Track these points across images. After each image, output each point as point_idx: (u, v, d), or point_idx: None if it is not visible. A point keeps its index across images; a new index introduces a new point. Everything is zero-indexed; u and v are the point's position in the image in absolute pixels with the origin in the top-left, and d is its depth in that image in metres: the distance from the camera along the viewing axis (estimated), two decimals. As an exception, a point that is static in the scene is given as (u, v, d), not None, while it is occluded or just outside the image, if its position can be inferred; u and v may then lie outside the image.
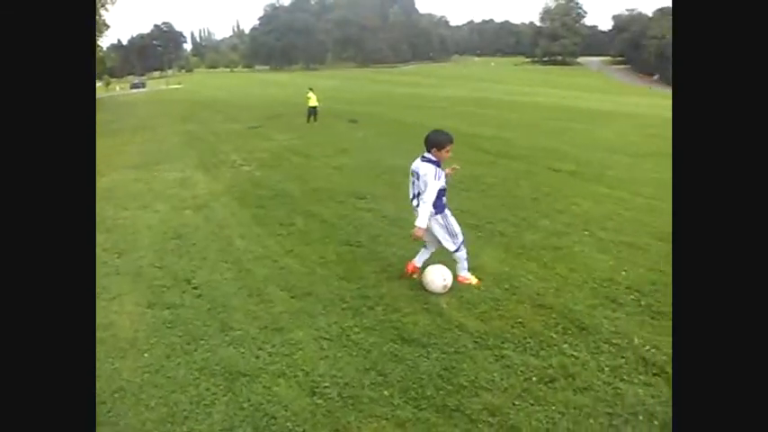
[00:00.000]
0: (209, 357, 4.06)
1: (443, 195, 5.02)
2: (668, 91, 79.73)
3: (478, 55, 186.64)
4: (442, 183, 4.92)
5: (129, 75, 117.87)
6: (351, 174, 11.17)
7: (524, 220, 7.52)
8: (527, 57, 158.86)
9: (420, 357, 4.02)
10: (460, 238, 5.15)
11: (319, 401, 3.51)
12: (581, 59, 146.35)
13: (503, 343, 4.20)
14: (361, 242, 6.63)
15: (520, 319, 4.57)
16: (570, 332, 4.36)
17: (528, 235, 6.85)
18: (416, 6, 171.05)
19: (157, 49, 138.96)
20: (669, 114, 27.97)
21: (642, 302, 4.86)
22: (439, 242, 5.22)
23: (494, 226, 7.11)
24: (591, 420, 3.29)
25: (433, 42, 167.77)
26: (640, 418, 3.29)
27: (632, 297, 4.98)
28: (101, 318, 4.68)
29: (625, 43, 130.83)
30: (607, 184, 9.92)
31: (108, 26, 44.44)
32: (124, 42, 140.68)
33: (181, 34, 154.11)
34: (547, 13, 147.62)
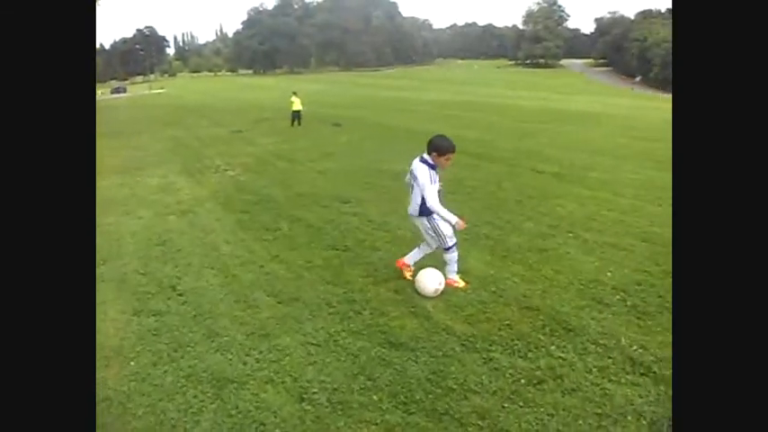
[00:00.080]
0: (196, 364, 4.02)
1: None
2: (650, 93, 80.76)
3: (462, 58, 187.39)
4: (437, 186, 4.94)
5: (111, 79, 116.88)
6: (335, 178, 11.15)
7: (509, 222, 7.56)
8: (510, 59, 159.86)
9: (408, 361, 4.02)
10: (450, 241, 5.15)
11: (308, 407, 3.49)
12: (563, 62, 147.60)
13: (490, 345, 4.21)
14: (348, 246, 6.62)
15: (507, 322, 4.58)
16: (557, 333, 4.38)
17: (513, 237, 6.88)
18: (399, 10, 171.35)
19: (140, 54, 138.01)
20: (652, 115, 28.31)
21: (628, 303, 4.90)
22: (434, 244, 5.24)
23: (479, 229, 7.12)
24: (580, 421, 3.30)
25: (417, 46, 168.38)
26: (629, 418, 3.32)
27: (618, 297, 5.02)
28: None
29: (607, 46, 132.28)
30: (590, 186, 9.99)
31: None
32: (107, 47, 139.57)
33: (164, 38, 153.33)
34: (529, 17, 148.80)
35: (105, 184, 11.10)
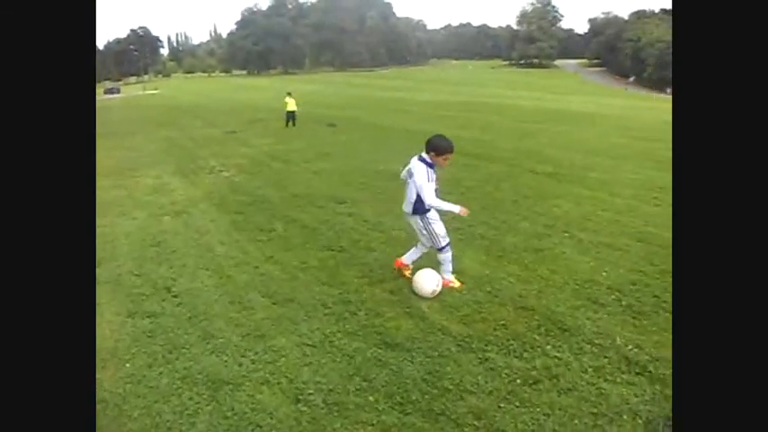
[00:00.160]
0: (192, 366, 4.00)
1: None
2: (644, 93, 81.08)
3: (456, 58, 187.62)
4: (434, 184, 4.94)
5: (105, 80, 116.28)
6: (330, 178, 11.13)
7: (505, 222, 7.56)
8: (504, 60, 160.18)
9: (404, 362, 4.01)
10: (443, 241, 5.16)
11: (304, 409, 3.48)
12: (557, 62, 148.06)
13: (486, 346, 4.21)
14: (343, 247, 6.61)
15: (502, 322, 4.59)
16: (553, 333, 4.39)
17: (509, 237, 6.89)
18: (394, 10, 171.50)
19: (134, 54, 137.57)
20: (647, 115, 28.40)
21: (623, 302, 4.91)
22: (427, 243, 5.25)
23: (474, 229, 7.13)
24: (576, 421, 3.31)
25: (411, 46, 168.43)
26: (625, 417, 3.32)
27: (613, 297, 5.03)
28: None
29: (601, 46, 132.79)
30: (586, 186, 10.00)
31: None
32: (100, 47, 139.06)
33: (158, 39, 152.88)
34: (524, 17, 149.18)
35: (99, 185, 11.03)
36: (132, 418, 3.45)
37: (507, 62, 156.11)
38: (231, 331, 4.53)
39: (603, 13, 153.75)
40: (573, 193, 9.46)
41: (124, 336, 4.51)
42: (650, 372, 3.79)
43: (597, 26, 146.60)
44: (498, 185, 10.15)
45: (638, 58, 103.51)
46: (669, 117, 30.01)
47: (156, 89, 78.39)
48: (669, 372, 3.77)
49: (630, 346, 4.13)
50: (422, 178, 4.88)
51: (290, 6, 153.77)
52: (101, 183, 11.20)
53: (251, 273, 5.84)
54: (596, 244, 6.55)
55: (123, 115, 33.79)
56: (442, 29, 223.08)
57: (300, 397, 3.60)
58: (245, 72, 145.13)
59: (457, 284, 5.30)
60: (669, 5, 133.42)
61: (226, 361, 4.07)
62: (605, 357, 4.01)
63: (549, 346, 4.18)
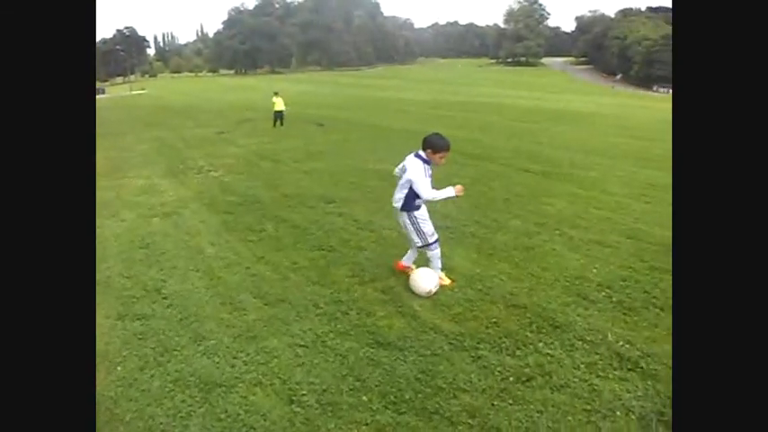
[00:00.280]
0: (184, 368, 3.97)
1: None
2: (630, 90, 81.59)
3: (443, 57, 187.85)
4: (429, 180, 4.99)
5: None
6: (320, 178, 11.11)
7: (496, 221, 7.59)
8: (491, 58, 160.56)
9: (397, 361, 4.01)
10: (430, 238, 5.17)
11: (298, 409, 3.46)
12: (545, 60, 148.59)
13: (478, 344, 4.22)
14: (333, 247, 6.59)
15: (494, 320, 4.60)
16: (545, 330, 4.41)
17: (500, 236, 6.91)
18: (381, 9, 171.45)
19: (120, 54, 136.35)
20: (636, 113, 28.59)
21: (614, 299, 4.95)
22: (416, 240, 5.26)
23: (466, 227, 7.15)
24: (569, 418, 3.32)
25: (398, 45, 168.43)
26: (618, 413, 3.34)
27: (604, 294, 5.06)
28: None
29: (588, 44, 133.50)
30: (577, 184, 10.07)
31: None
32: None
33: (144, 39, 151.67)
34: (510, 15, 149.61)
35: (87, 187, 10.94)
36: (124, 422, 3.41)
37: (494, 60, 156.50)
38: (223, 333, 4.50)
39: (590, 12, 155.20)
40: (564, 191, 9.52)
41: (114, 339, 4.46)
42: (642, 367, 3.82)
43: (584, 24, 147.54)
44: (489, 184, 10.19)
45: (625, 56, 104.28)
46: (657, 115, 30.30)
47: (142, 89, 77.73)
48: (660, 367, 3.81)
49: (622, 343, 4.16)
50: (418, 174, 4.91)
51: (276, 6, 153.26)
52: (88, 184, 11.08)
53: (242, 273, 5.80)
54: (587, 241, 6.60)
55: (110, 116, 33.50)
56: (429, 27, 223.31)
57: (294, 398, 3.59)
58: (232, 72, 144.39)
59: (447, 282, 5.31)
60: (655, 3, 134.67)
61: (218, 363, 4.05)
62: (597, 354, 4.03)
63: (541, 344, 4.20)
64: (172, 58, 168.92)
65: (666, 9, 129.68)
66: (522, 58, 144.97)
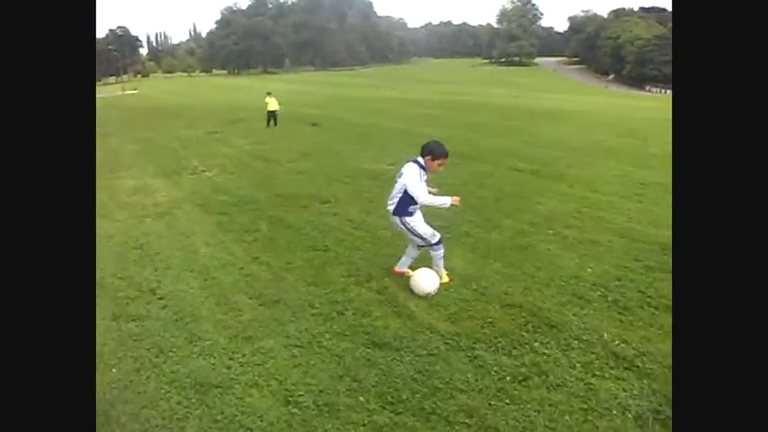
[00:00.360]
0: (179, 370, 3.95)
1: (413, 201, 5.04)
2: (623, 90, 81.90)
3: (437, 56, 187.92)
4: (424, 184, 5.04)
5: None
6: (314, 178, 11.09)
7: (489, 220, 7.60)
8: (484, 58, 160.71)
9: (393, 361, 4.01)
10: (432, 239, 5.18)
11: (295, 410, 3.46)
12: (538, 60, 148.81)
13: (474, 343, 4.22)
14: (328, 246, 6.59)
15: (490, 319, 4.61)
16: (540, 330, 4.42)
17: (494, 235, 6.93)
18: (374, 9, 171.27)
19: (113, 54, 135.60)
20: (628, 113, 28.62)
21: (609, 298, 4.97)
22: (419, 242, 5.27)
23: (459, 227, 7.16)
24: (566, 417, 3.33)
25: (392, 44, 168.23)
26: (614, 412, 3.36)
27: (599, 293, 5.08)
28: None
29: (580, 44, 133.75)
30: (570, 183, 10.10)
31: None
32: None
33: (137, 39, 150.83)
34: (504, 15, 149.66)
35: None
36: (120, 424, 3.39)
37: (488, 60, 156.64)
38: (218, 333, 4.48)
39: (583, 12, 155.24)
40: (556, 190, 9.55)
41: (109, 340, 4.43)
42: (638, 366, 3.83)
43: (577, 24, 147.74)
44: (482, 184, 10.21)
45: (618, 56, 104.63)
46: (650, 114, 30.40)
47: (135, 89, 77.22)
48: (656, 366, 3.83)
49: (617, 342, 4.18)
50: (413, 178, 4.95)
51: (270, 6, 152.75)
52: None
53: (236, 274, 5.79)
54: (580, 240, 6.62)
55: (102, 116, 33.32)
56: (422, 27, 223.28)
57: (290, 399, 3.58)
58: (225, 72, 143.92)
59: (445, 279, 5.32)
60: (648, 4, 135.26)
61: (214, 364, 4.03)
62: (593, 353, 4.05)
63: (536, 343, 4.21)
64: (164, 57, 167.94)
65: (659, 9, 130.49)
66: (516, 58, 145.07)
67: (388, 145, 15.75)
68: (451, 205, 5.04)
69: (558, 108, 32.91)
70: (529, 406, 3.44)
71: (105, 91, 74.46)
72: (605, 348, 4.09)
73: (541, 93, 59.18)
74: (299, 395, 3.61)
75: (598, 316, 4.65)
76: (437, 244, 5.21)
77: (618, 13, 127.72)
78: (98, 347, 4.30)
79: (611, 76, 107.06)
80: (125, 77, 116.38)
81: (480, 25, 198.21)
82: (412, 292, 5.12)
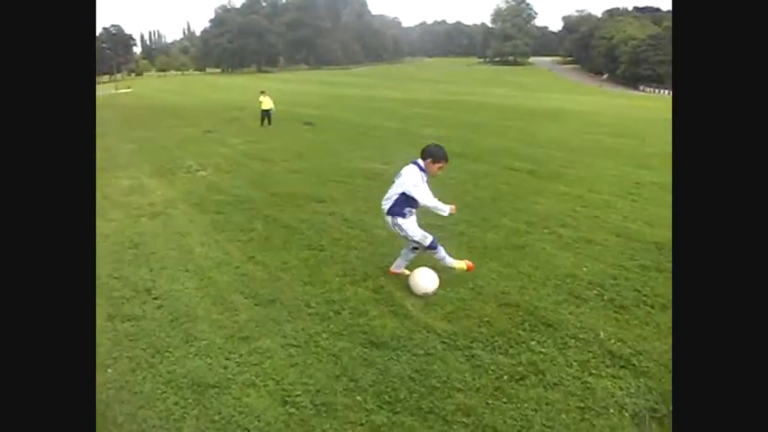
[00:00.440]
0: (176, 370, 3.93)
1: (409, 203, 5.06)
2: (617, 90, 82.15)
3: (431, 56, 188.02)
4: (426, 186, 5.09)
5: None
6: (309, 177, 11.08)
7: (485, 219, 7.60)
8: (479, 57, 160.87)
9: (390, 361, 4.01)
10: (425, 241, 5.18)
11: (292, 410, 3.45)
12: (532, 59, 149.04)
13: (471, 343, 4.23)
14: (324, 246, 6.58)
15: (487, 319, 4.61)
16: (537, 329, 4.43)
17: (490, 234, 6.93)
18: (369, 8, 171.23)
19: (107, 53, 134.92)
20: (622, 113, 28.73)
21: (605, 297, 4.98)
22: (411, 245, 5.28)
23: (456, 226, 7.15)
24: (563, 415, 3.34)
25: (386, 44, 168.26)
26: (611, 411, 3.37)
27: (595, 292, 5.09)
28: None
29: (575, 44, 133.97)
30: (565, 183, 10.13)
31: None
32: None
33: (131, 37, 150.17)
34: (498, 15, 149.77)
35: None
36: (117, 425, 3.37)
37: (482, 60, 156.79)
38: (215, 333, 4.47)
39: (577, 11, 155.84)
40: (551, 189, 9.57)
41: (105, 340, 4.41)
42: (634, 365, 3.85)
43: (571, 24, 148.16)
44: (478, 183, 10.22)
45: (612, 56, 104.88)
46: (644, 114, 30.51)
47: (128, 88, 76.93)
48: (652, 364, 3.84)
49: (613, 340, 4.19)
50: (414, 180, 5.01)
51: (264, 4, 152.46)
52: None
53: (232, 273, 5.77)
54: (576, 239, 6.63)
55: (96, 115, 33.23)
56: (416, 26, 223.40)
57: (288, 399, 3.57)
58: (219, 70, 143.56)
59: (464, 266, 5.40)
60: (642, 3, 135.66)
61: (210, 364, 4.01)
62: (589, 352, 4.06)
63: (533, 342, 4.22)
64: (158, 56, 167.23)
65: (653, 9, 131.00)
66: (510, 58, 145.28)
67: (383, 144, 15.76)
68: (449, 214, 5.14)
69: (552, 107, 33.00)
70: (526, 405, 3.45)
71: (99, 90, 74.02)
72: (602, 347, 4.11)
73: (538, 92, 59.30)
74: (297, 395, 3.60)
75: (594, 315, 4.66)
76: (432, 248, 5.20)
77: (612, 13, 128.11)
78: (94, 347, 4.29)
79: (605, 76, 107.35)
80: (119, 76, 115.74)
81: (475, 24, 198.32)
82: (409, 291, 5.13)
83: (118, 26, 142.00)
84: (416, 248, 5.35)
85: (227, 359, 4.07)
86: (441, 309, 4.82)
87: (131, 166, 13.10)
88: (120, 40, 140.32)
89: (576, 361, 3.93)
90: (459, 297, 5.03)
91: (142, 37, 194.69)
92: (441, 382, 3.71)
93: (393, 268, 5.58)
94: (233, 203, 8.85)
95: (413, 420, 3.33)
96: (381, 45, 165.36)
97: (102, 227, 7.65)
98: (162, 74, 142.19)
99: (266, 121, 21.58)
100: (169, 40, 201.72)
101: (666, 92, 74.22)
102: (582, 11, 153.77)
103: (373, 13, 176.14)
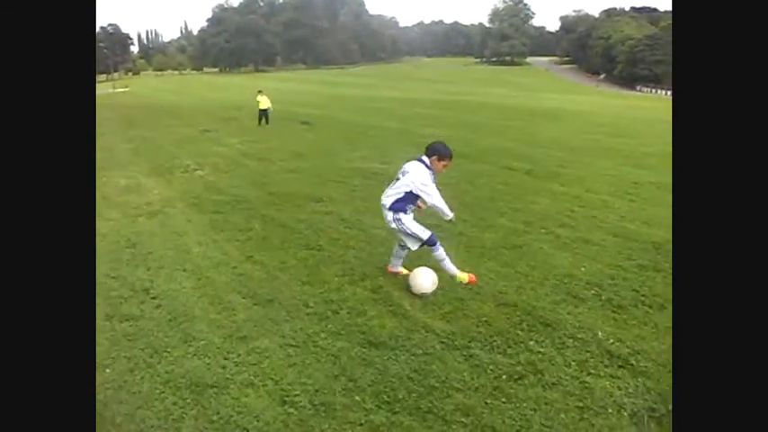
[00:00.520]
0: (174, 370, 3.93)
1: (413, 200, 5.06)
2: (614, 90, 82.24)
3: (428, 56, 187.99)
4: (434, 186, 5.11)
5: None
6: (306, 177, 11.07)
7: (483, 219, 7.61)
8: (476, 57, 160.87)
9: (389, 360, 4.01)
10: (423, 235, 5.16)
11: (291, 410, 3.45)
12: (529, 59, 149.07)
13: (470, 342, 4.23)
14: (322, 246, 6.58)
15: (485, 318, 4.61)
16: (535, 329, 4.43)
17: (488, 234, 6.93)
18: (366, 8, 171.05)
19: (104, 52, 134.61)
20: (620, 113, 28.77)
21: (603, 297, 4.99)
22: (410, 244, 5.27)
23: (453, 226, 7.13)
24: (562, 415, 3.34)
25: (384, 43, 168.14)
26: (610, 410, 3.38)
27: (593, 292, 5.09)
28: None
29: (572, 44, 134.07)
30: (563, 183, 10.14)
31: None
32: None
33: (128, 36, 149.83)
34: (495, 15, 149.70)
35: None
36: (116, 425, 3.36)
37: (480, 59, 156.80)
38: (213, 333, 4.46)
39: (575, 11, 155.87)
40: (549, 189, 9.59)
41: (103, 340, 4.39)
42: (632, 365, 3.85)
43: (568, 24, 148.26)
44: (475, 183, 10.22)
45: (609, 56, 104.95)
46: (641, 114, 30.55)
47: (126, 87, 76.73)
48: (651, 364, 3.85)
49: (612, 340, 4.20)
50: (424, 179, 5.03)
51: (261, 4, 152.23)
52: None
53: (230, 273, 5.76)
54: (574, 239, 6.64)
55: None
56: (414, 26, 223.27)
57: (286, 398, 3.57)
58: (216, 70, 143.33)
59: (465, 278, 5.35)
60: (639, 4, 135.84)
61: (209, 364, 4.01)
62: (588, 351, 4.06)
63: (532, 342, 4.22)
64: (155, 55, 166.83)
65: (650, 9, 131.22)
66: (507, 58, 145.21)
67: (381, 144, 15.75)
68: (449, 220, 5.22)
69: (549, 107, 33.04)
70: (525, 404, 3.45)
71: (96, 89, 73.77)
72: (600, 347, 4.11)
73: (537, 93, 59.35)
74: (295, 395, 3.60)
75: (592, 314, 4.67)
76: (432, 243, 5.19)
77: (609, 13, 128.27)
78: (92, 347, 4.28)
79: (602, 76, 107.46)
80: (116, 75, 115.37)
81: (472, 24, 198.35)
82: (407, 290, 5.13)
83: (115, 25, 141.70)
84: (405, 247, 5.32)
85: (225, 359, 4.07)
86: (439, 308, 4.82)
87: (129, 165, 13.06)
88: (118, 39, 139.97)
89: (574, 361, 3.94)
90: (457, 297, 5.03)
91: (139, 36, 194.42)
92: (439, 382, 3.71)
93: (390, 267, 5.58)
94: (231, 203, 8.84)
95: (411, 420, 3.33)
96: (379, 45, 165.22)
97: (99, 226, 7.62)
98: (159, 73, 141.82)
99: (264, 120, 21.55)
100: (166, 39, 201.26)
101: (663, 92, 74.35)
102: (579, 11, 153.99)
103: (371, 12, 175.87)
